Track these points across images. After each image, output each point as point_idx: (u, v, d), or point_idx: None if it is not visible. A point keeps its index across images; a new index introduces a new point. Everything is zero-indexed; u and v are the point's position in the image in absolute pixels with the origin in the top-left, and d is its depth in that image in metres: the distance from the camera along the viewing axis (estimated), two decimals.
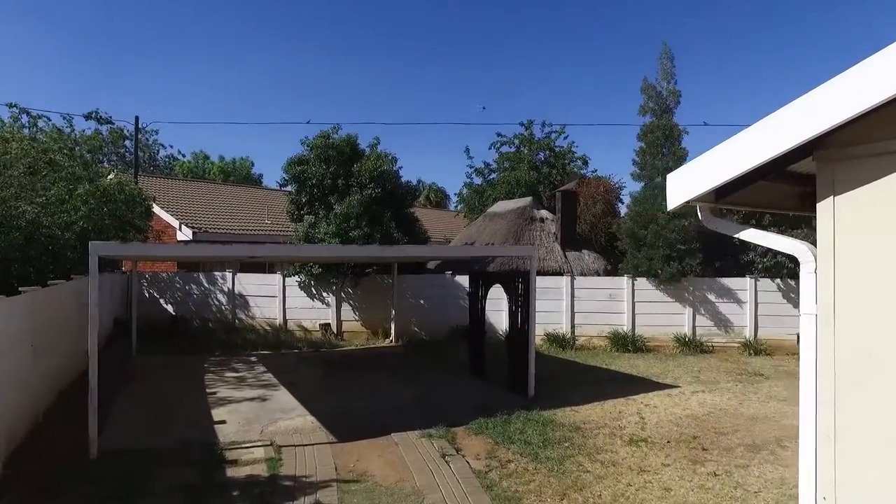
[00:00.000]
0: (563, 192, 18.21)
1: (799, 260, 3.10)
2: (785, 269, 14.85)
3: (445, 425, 8.20)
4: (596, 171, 27.55)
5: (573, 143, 27.18)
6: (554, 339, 15.41)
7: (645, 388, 10.80)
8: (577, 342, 15.52)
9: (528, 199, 19.75)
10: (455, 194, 28.92)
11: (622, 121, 79.77)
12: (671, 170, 3.81)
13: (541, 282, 13.21)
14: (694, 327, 15.56)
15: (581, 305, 15.88)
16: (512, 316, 10.51)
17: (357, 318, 16.90)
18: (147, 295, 16.33)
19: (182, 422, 8.54)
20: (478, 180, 27.90)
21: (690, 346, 14.96)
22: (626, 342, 15.07)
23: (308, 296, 16.82)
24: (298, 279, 16.58)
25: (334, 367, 12.83)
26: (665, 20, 60.36)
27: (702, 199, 3.68)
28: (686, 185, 3.57)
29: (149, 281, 16.62)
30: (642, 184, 16.17)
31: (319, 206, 15.80)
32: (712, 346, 15.24)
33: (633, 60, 63.82)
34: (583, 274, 17.03)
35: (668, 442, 7.89)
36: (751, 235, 3.60)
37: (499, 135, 27.29)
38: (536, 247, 10.45)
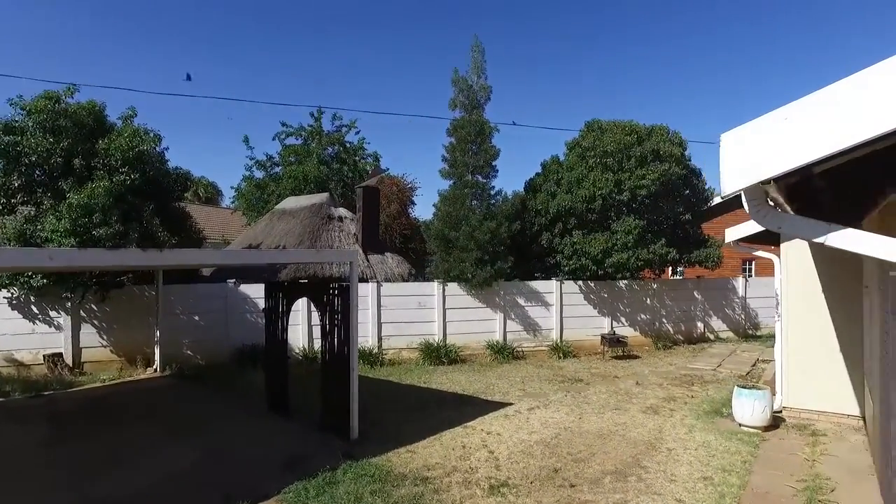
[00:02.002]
0: (366, 189, 16.39)
1: None
2: (588, 272, 15.16)
3: (247, 502, 5.76)
4: (388, 169, 26.39)
5: (364, 138, 25.65)
6: (361, 354, 13.44)
7: (479, 411, 9.52)
8: (385, 357, 13.82)
9: (324, 196, 17.50)
10: (232, 188, 25.12)
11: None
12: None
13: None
14: (505, 333, 15.05)
15: (389, 315, 14.23)
16: (326, 335, 8.29)
17: (105, 342, 12.77)
18: None
19: None
20: (259, 174, 24.61)
21: (503, 352, 14.36)
22: (438, 353, 13.84)
23: (26, 317, 12.22)
24: (9, 294, 11.95)
25: (65, 421, 9.05)
26: (479, 15, 62.37)
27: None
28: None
29: None
30: (451, 182, 15.18)
31: (44, 194, 11.48)
32: (523, 352, 14.88)
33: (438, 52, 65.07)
34: (388, 280, 15.43)
35: (532, 482, 6.56)
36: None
37: (284, 125, 24.47)
38: (356, 251, 8.46)
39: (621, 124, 15.48)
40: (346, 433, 7.79)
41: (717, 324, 17.51)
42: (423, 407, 9.79)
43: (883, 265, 5.37)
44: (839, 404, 9.01)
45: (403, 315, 14.29)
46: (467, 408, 9.73)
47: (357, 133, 25.51)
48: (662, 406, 9.88)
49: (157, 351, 12.71)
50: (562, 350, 14.76)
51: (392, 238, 22.24)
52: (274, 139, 24.54)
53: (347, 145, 25.11)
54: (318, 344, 13.18)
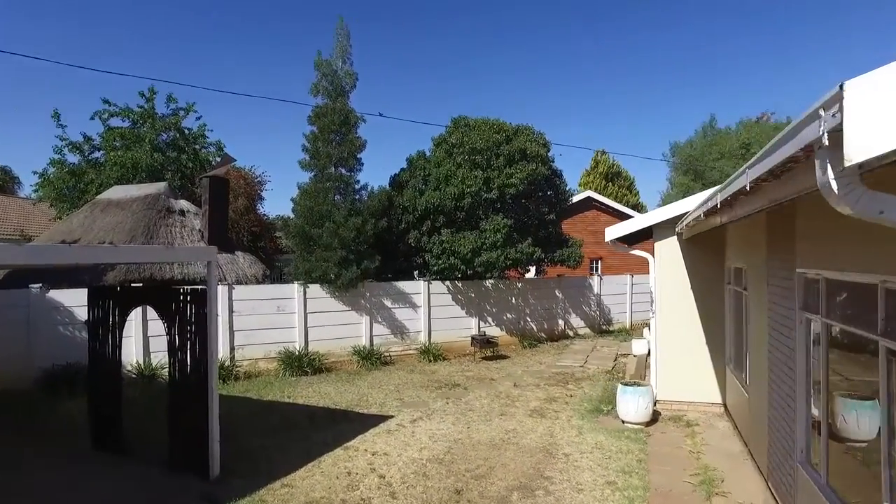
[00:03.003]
0: (213, 179, 14.35)
1: None
2: (457, 272, 14.74)
3: None
4: (235, 161, 23.88)
5: (205, 125, 22.93)
6: None
7: (357, 427, 8.47)
8: (240, 369, 12.10)
9: (162, 185, 15.07)
10: (35, 174, 20.75)
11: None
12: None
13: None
14: (372, 337, 14.06)
15: (243, 322, 12.51)
16: (175, 351, 6.69)
17: None
18: None
19: None
20: (74, 158, 20.76)
21: (371, 358, 13.36)
22: (301, 363, 12.45)
23: None
24: None
25: None
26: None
27: None
28: None
29: None
30: (313, 174, 13.84)
31: None
32: (391, 356, 14.02)
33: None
34: (239, 282, 13.66)
35: None
36: None
37: (107, 102, 20.89)
38: (215, 249, 6.95)
39: (489, 122, 15.34)
40: (205, 471, 6.32)
41: (575, 321, 18.20)
42: (293, 426, 8.51)
43: (786, 263, 5.45)
44: (704, 394, 9.46)
45: (259, 321, 12.65)
46: (344, 425, 8.64)
47: (198, 118, 22.73)
48: (546, 408, 9.65)
49: None
50: (431, 353, 14.17)
51: (240, 236, 20.10)
52: (94, 118, 20.79)
53: (186, 132, 22.22)
54: (156, 358, 11.13)
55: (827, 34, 60.89)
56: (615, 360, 13.94)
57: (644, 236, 10.34)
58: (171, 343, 6.67)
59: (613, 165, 41.16)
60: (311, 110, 13.78)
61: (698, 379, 9.46)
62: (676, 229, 9.44)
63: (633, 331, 18.83)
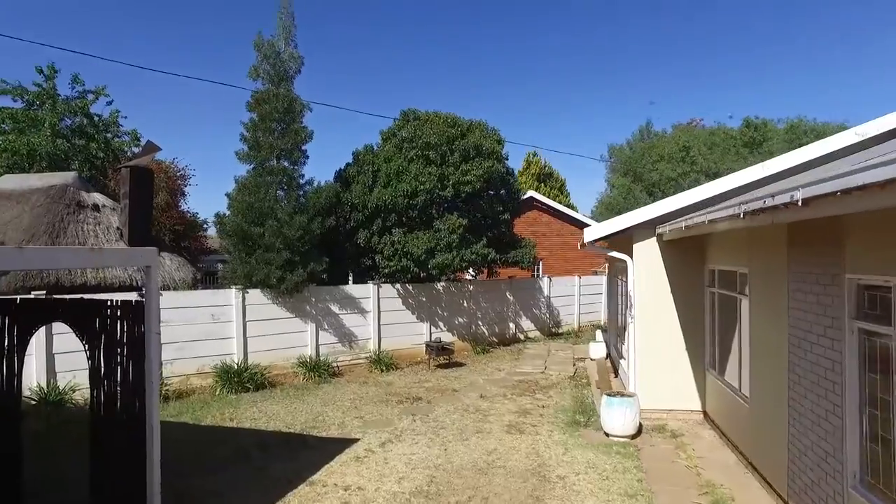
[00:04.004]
0: (135, 170, 12.35)
1: None
2: (409, 274, 13.77)
3: None
4: (160, 150, 21.63)
5: (118, 111, 20.60)
6: None
7: (321, 455, 7.36)
8: (170, 388, 10.54)
9: (70, 175, 13.04)
10: None
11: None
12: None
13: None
14: (318, 346, 12.83)
15: (171, 333, 10.90)
16: (101, 380, 5.33)
17: None
18: None
19: None
20: None
21: (318, 370, 12.14)
22: (241, 378, 11.05)
23: None
24: None
25: None
26: None
27: None
28: None
29: None
30: (252, 166, 12.44)
31: None
32: (339, 367, 12.85)
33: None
34: (166, 287, 12.02)
35: None
36: None
37: None
38: (155, 249, 5.64)
39: (442, 115, 14.49)
40: None
41: (526, 324, 17.71)
42: (244, 458, 7.28)
43: (825, 267, 4.97)
44: (684, 401, 9.09)
45: (191, 332, 11.13)
46: (303, 453, 7.51)
47: (109, 103, 20.35)
48: (522, 422, 8.93)
49: None
50: (383, 362, 13.13)
51: (161, 235, 18.12)
52: None
53: (96, 118, 19.82)
54: (64, 379, 9.43)
55: (741, 39, 64.68)
56: (574, 366, 13.50)
57: (625, 236, 9.86)
58: (94, 371, 5.30)
59: (545, 167, 41.49)
60: (250, 96, 12.37)
61: (677, 386, 9.08)
62: (657, 230, 9.02)
63: (581, 333, 18.63)
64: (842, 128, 26.44)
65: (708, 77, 65.87)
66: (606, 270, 24.93)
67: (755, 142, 25.07)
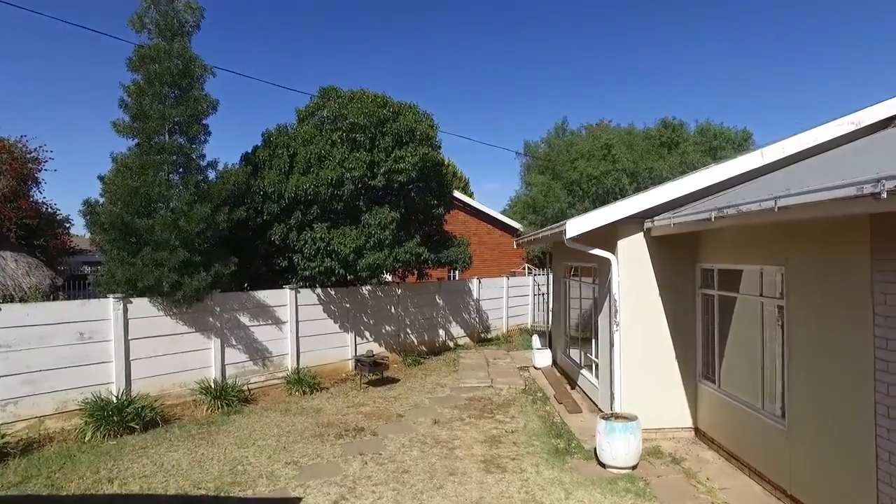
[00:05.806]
0: None
1: None
2: (335, 276, 11.71)
3: None
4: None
5: None
6: None
7: None
8: (7, 440, 7.69)
9: None
10: None
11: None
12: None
13: None
14: (223, 367, 10.41)
15: (16, 361, 8.09)
16: None
17: None
18: None
19: None
20: None
21: (225, 396, 9.75)
22: (122, 415, 8.39)
23: None
24: None
25: None
26: None
27: None
28: None
29: None
30: (136, 141, 9.80)
31: None
32: (251, 391, 10.55)
33: None
34: (9, 298, 9.07)
35: None
36: None
37: None
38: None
39: (370, 94, 12.57)
40: None
41: (455, 330, 16.19)
42: None
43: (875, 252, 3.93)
44: (673, 418, 8.08)
45: (46, 358, 8.33)
46: None
47: None
48: (498, 456, 7.36)
49: None
50: (305, 382, 10.98)
51: (5, 230, 14.44)
52: None
53: None
54: None
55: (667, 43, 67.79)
56: (521, 377, 12.21)
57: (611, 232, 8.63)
58: None
59: (449, 165, 40.46)
60: (132, 51, 9.72)
61: (666, 401, 8.03)
62: (646, 224, 7.90)
63: (511, 338, 17.49)
64: (744, 133, 27.86)
65: (617, 77, 67.91)
66: (527, 271, 24.23)
67: (672, 142, 25.61)
